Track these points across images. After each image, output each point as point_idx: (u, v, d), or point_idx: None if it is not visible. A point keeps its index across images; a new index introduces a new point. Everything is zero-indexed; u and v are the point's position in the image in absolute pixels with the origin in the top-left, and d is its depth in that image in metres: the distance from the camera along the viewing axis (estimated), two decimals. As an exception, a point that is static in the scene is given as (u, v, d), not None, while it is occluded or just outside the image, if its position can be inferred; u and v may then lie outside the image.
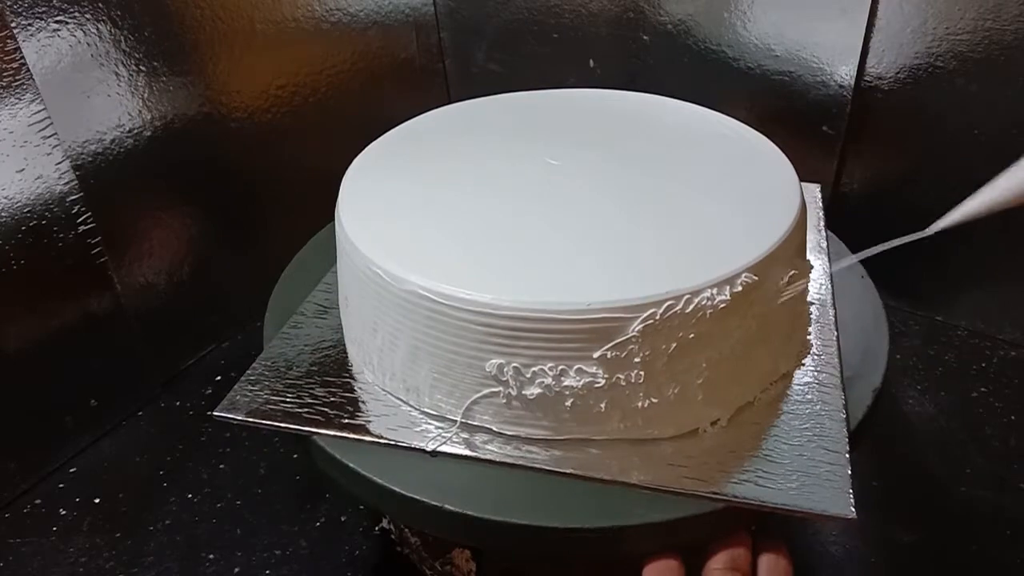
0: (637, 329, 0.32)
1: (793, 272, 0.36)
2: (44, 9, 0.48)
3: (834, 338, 0.41)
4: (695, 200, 0.39)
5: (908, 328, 0.65)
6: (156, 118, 0.56)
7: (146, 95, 0.55)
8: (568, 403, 0.34)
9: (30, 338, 0.51)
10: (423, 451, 0.35)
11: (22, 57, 0.47)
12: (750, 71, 0.64)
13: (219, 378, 0.63)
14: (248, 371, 0.40)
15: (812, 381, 0.39)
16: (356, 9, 0.68)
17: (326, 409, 0.38)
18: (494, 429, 0.36)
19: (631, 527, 0.33)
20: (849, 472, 0.33)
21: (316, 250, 0.51)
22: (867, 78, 0.60)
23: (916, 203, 0.63)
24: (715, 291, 0.33)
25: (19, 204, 0.48)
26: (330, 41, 0.67)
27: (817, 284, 0.45)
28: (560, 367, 0.33)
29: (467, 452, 0.35)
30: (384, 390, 0.39)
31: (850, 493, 0.32)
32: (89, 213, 0.52)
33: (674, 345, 0.33)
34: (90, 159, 0.53)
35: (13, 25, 0.46)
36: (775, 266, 0.35)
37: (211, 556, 0.49)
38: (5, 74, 0.46)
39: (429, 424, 0.37)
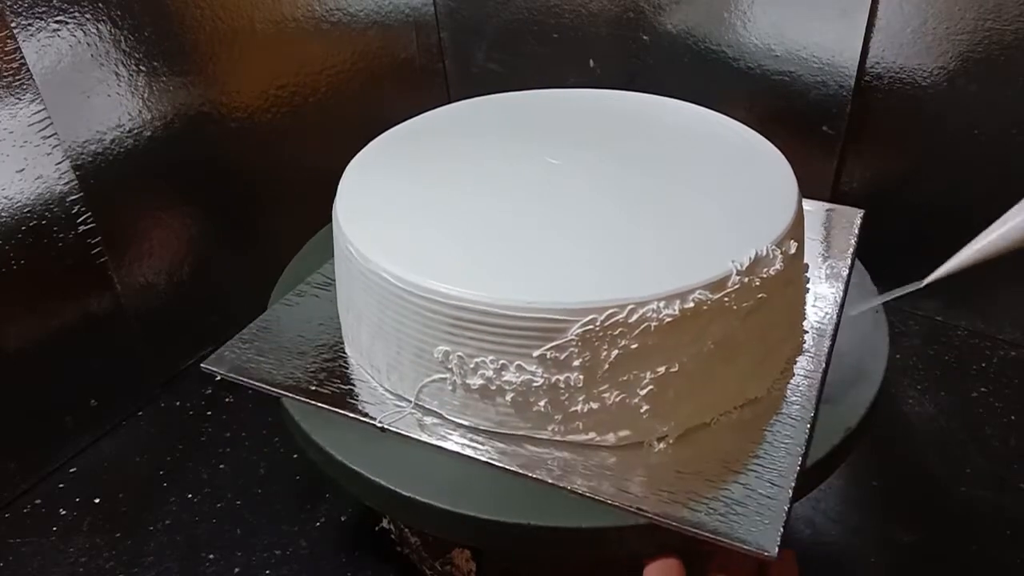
0: (576, 333, 0.32)
1: (762, 295, 0.34)
2: (44, 9, 0.48)
3: (820, 371, 0.39)
4: (687, 203, 0.39)
5: (908, 328, 0.65)
6: (156, 118, 0.56)
7: (146, 95, 0.55)
8: (508, 398, 0.34)
9: (30, 338, 0.51)
10: (373, 424, 0.36)
11: (22, 57, 0.47)
12: (750, 71, 0.64)
13: (219, 378, 0.63)
14: (243, 331, 0.42)
15: (782, 411, 0.37)
16: (356, 9, 0.68)
17: (300, 375, 0.39)
18: (444, 415, 0.37)
19: (632, 527, 0.33)
20: (785, 511, 0.31)
21: (316, 250, 0.51)
22: (867, 78, 0.60)
23: (916, 203, 0.63)
24: (662, 304, 0.32)
25: (19, 204, 0.49)
26: (330, 41, 0.67)
27: (822, 313, 0.43)
28: (501, 361, 0.33)
29: (415, 434, 0.36)
30: (359, 365, 0.40)
31: (779, 531, 0.31)
32: (89, 213, 0.52)
33: (616, 352, 0.32)
34: (90, 159, 0.53)
35: (13, 25, 0.46)
36: (738, 286, 0.33)
37: (211, 556, 0.49)
38: (5, 74, 0.46)
39: (389, 403, 0.38)
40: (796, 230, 0.37)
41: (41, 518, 0.51)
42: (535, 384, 0.33)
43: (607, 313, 0.31)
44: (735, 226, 0.37)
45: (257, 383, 0.39)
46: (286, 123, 0.65)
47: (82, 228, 0.52)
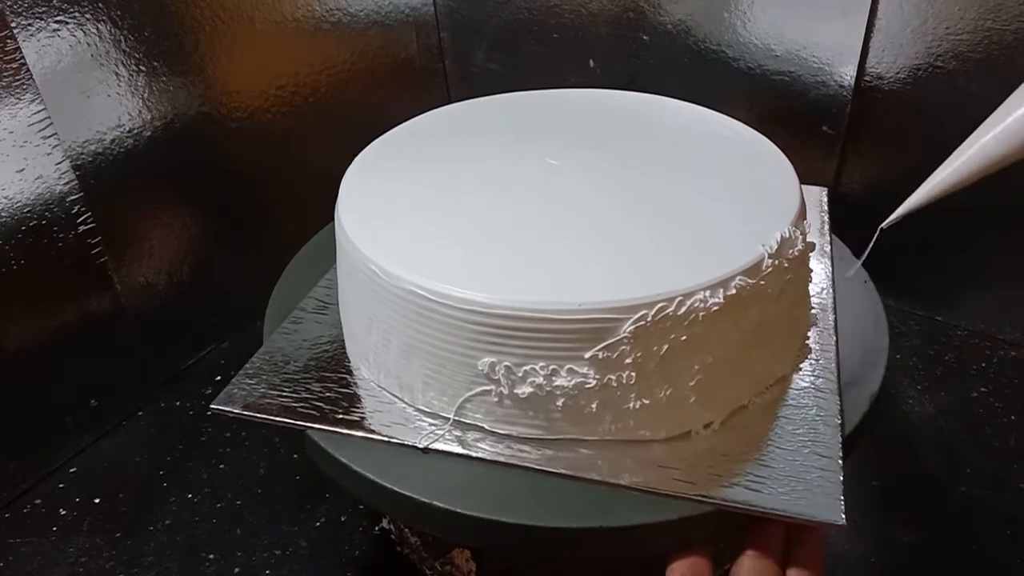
0: (628, 330, 0.32)
1: (790, 276, 0.36)
2: (44, 9, 0.48)
3: (833, 342, 0.41)
4: (694, 200, 0.39)
5: (908, 328, 0.65)
6: (156, 118, 0.56)
7: (146, 95, 0.55)
8: (559, 403, 0.34)
9: (30, 338, 0.51)
10: (415, 447, 0.35)
11: (22, 57, 0.47)
12: (750, 71, 0.64)
13: (219, 378, 0.63)
14: (247, 365, 0.41)
15: (809, 386, 0.38)
16: (356, 9, 0.68)
17: (321, 404, 0.38)
18: (486, 427, 0.36)
19: (631, 527, 0.33)
20: (841, 478, 0.33)
21: (316, 250, 0.51)
22: (867, 78, 0.60)
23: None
24: (708, 293, 0.32)
25: (19, 204, 0.49)
26: (330, 41, 0.67)
27: (818, 288, 0.44)
28: (551, 367, 0.33)
29: (459, 450, 0.35)
30: (380, 387, 0.39)
31: (841, 500, 0.32)
32: (89, 213, 0.52)
33: (666, 347, 0.33)
34: (90, 159, 0.53)
35: (13, 25, 0.46)
36: (771, 269, 0.35)
37: (211, 556, 0.49)
38: (5, 74, 0.46)
39: (423, 421, 0.37)
40: (801, 216, 0.38)
41: (41, 518, 0.51)
42: (587, 386, 0.33)
43: (657, 307, 0.32)
44: (749, 217, 0.37)
45: (277, 418, 0.37)
46: (286, 123, 0.65)
47: (82, 228, 0.52)
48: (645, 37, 0.68)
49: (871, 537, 0.49)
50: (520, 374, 0.33)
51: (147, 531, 0.50)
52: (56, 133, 0.49)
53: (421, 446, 0.35)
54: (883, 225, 0.39)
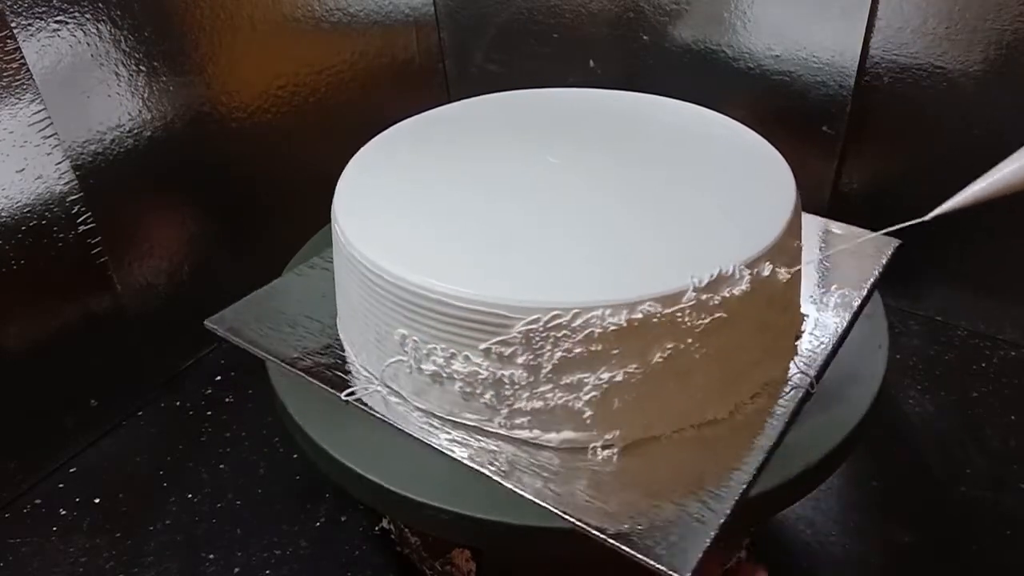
0: (520, 330, 0.32)
1: (722, 315, 0.33)
2: (44, 9, 0.48)
3: (794, 402, 0.37)
4: (679, 206, 0.39)
5: (908, 328, 0.65)
6: (156, 118, 0.56)
7: (146, 95, 0.55)
8: (456, 387, 0.35)
9: (30, 338, 0.51)
10: (339, 397, 0.38)
11: (22, 57, 0.47)
12: (750, 71, 0.64)
13: (219, 378, 0.63)
14: (251, 295, 0.46)
15: (740, 437, 0.36)
16: (356, 9, 0.68)
17: (289, 344, 0.42)
18: (406, 397, 0.38)
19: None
20: (711, 537, 0.30)
21: (316, 250, 0.51)
22: (867, 78, 0.60)
23: (916, 203, 0.63)
24: (608, 312, 0.32)
25: (19, 204, 0.49)
26: (330, 41, 0.67)
27: (816, 342, 0.40)
28: (451, 351, 0.34)
29: (376, 411, 0.37)
30: (344, 342, 0.42)
31: (697, 557, 0.30)
32: (89, 213, 0.52)
33: (559, 355, 0.32)
34: (90, 159, 0.53)
35: (13, 25, 0.46)
36: (693, 303, 0.33)
37: (211, 556, 0.49)
38: (5, 74, 0.46)
39: (361, 379, 0.39)
40: (780, 252, 0.36)
41: (41, 518, 0.51)
42: (480, 376, 0.34)
43: (551, 315, 0.32)
44: (716, 237, 0.36)
45: (247, 344, 0.42)
46: (286, 123, 0.65)
47: (82, 228, 0.52)
48: (645, 37, 0.68)
49: (871, 537, 0.49)
50: (425, 351, 0.35)
51: (147, 531, 0.50)
52: (56, 133, 0.49)
53: (343, 397, 0.38)
54: (927, 217, 0.39)
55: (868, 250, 0.47)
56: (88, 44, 0.51)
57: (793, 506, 0.48)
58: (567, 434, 0.35)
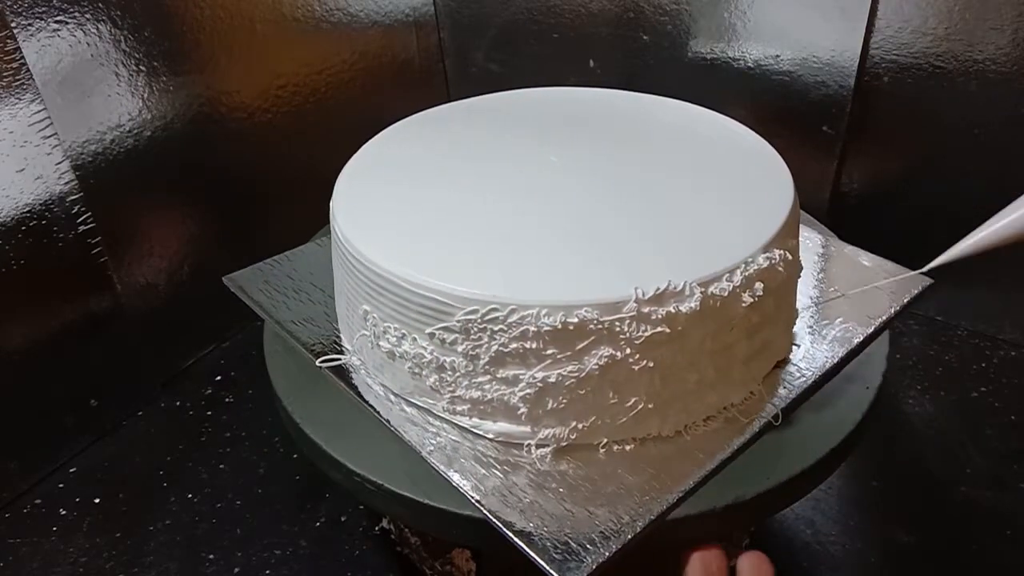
0: (459, 319, 0.33)
1: (663, 329, 0.32)
2: (44, 9, 0.48)
3: (747, 435, 0.35)
4: (668, 208, 0.38)
5: (908, 328, 0.65)
6: (156, 118, 0.56)
7: (146, 95, 0.55)
8: (407, 367, 0.36)
9: (30, 338, 0.51)
10: (314, 362, 0.40)
11: (22, 57, 0.47)
12: (750, 71, 0.64)
13: (219, 378, 0.63)
14: (273, 257, 0.48)
15: (679, 458, 0.35)
16: (356, 9, 0.68)
17: (286, 304, 0.44)
18: (369, 371, 0.39)
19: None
20: (606, 555, 0.30)
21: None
22: (867, 78, 0.60)
23: (916, 203, 0.63)
24: (544, 312, 0.32)
25: (19, 204, 0.49)
26: (330, 41, 0.67)
27: (798, 376, 0.38)
28: (402, 331, 0.36)
29: (340, 381, 0.39)
30: (338, 315, 0.43)
31: (589, 571, 0.29)
32: (89, 213, 0.52)
33: (496, 348, 0.33)
34: (90, 159, 0.53)
35: (13, 25, 0.46)
36: (633, 314, 0.32)
37: (211, 556, 0.49)
38: (5, 74, 0.46)
39: (340, 350, 0.41)
40: (743, 273, 0.34)
41: (41, 518, 0.51)
42: (426, 359, 0.35)
43: (489, 308, 0.32)
44: (684, 247, 0.35)
45: (251, 302, 0.45)
46: (286, 123, 0.65)
47: (82, 228, 0.52)
48: (645, 37, 0.68)
49: (871, 537, 0.49)
50: (382, 328, 0.36)
51: (147, 531, 0.50)
52: (56, 133, 0.49)
53: (318, 363, 0.40)
54: (924, 269, 0.39)
55: (891, 287, 0.44)
56: (88, 44, 0.51)
57: (793, 506, 0.48)
58: (503, 426, 0.35)
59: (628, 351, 0.33)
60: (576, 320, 0.32)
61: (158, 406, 0.60)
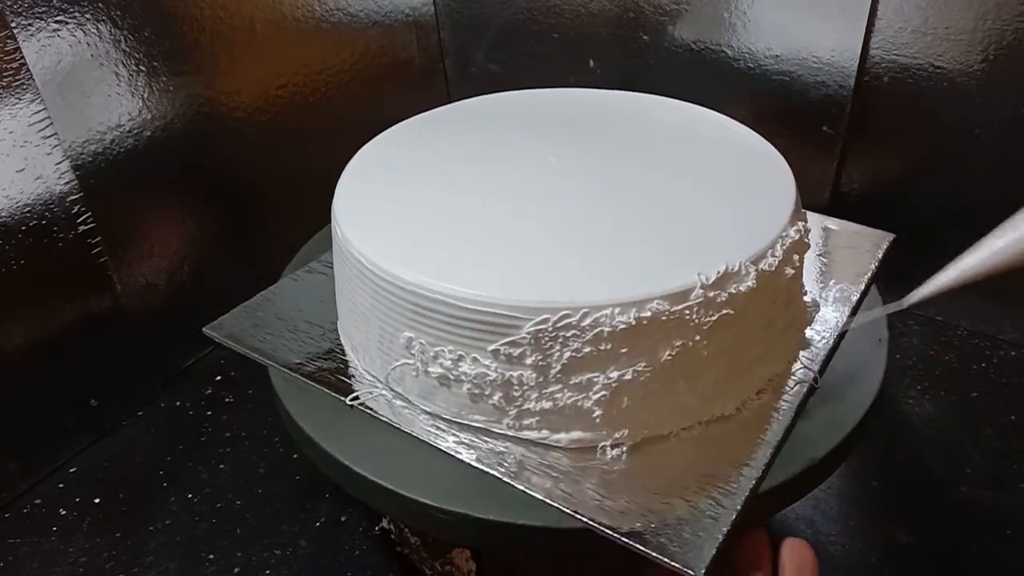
0: (529, 331, 0.32)
1: (728, 311, 0.33)
2: (44, 9, 0.48)
3: (800, 396, 0.37)
4: (680, 207, 0.39)
5: (908, 328, 0.65)
6: (156, 118, 0.56)
7: (146, 95, 0.55)
8: (464, 388, 0.35)
9: (30, 338, 0.51)
10: (344, 401, 0.38)
11: (22, 57, 0.47)
12: (750, 71, 0.64)
13: (219, 378, 0.63)
14: (248, 301, 0.46)
15: (748, 433, 0.36)
16: (356, 9, 0.68)
17: (290, 349, 0.42)
18: (412, 400, 0.38)
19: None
20: (723, 533, 0.31)
21: (313, 254, 0.50)
22: (867, 78, 0.60)
23: (916, 203, 0.63)
24: (617, 311, 0.32)
25: (19, 204, 0.49)
26: (330, 41, 0.67)
27: (819, 337, 0.41)
28: (458, 352, 0.34)
29: (382, 414, 0.37)
30: (345, 346, 0.42)
31: (711, 553, 0.30)
32: (89, 213, 0.52)
33: (568, 355, 0.32)
34: (90, 159, 0.53)
35: (13, 25, 0.46)
36: (701, 300, 0.33)
37: (211, 556, 0.49)
38: (5, 74, 0.46)
39: (364, 383, 0.39)
40: (783, 247, 0.36)
41: (41, 518, 0.51)
42: (489, 378, 0.34)
43: (560, 315, 0.32)
44: (719, 235, 0.36)
45: (248, 351, 0.42)
46: (286, 123, 0.65)
47: (82, 228, 0.52)
48: (645, 37, 0.68)
49: (871, 537, 0.49)
50: (432, 354, 0.35)
51: (147, 531, 0.50)
52: (56, 133, 0.49)
53: (348, 401, 0.38)
54: (905, 303, 0.39)
55: (865, 245, 0.47)
56: (88, 44, 0.51)
57: (793, 506, 0.48)
58: (576, 434, 0.35)
59: (697, 338, 0.33)
60: (648, 314, 0.32)
61: (158, 406, 0.60)
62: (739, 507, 0.32)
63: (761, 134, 0.45)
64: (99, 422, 0.57)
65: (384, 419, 0.37)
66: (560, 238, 0.36)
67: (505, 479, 0.34)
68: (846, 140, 0.62)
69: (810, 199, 0.60)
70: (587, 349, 0.32)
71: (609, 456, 0.35)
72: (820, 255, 0.47)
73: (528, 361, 0.33)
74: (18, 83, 0.47)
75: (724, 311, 0.33)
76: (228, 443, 0.57)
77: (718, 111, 0.48)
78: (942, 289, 0.36)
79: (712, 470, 0.33)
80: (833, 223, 0.50)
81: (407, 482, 0.35)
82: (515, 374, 0.33)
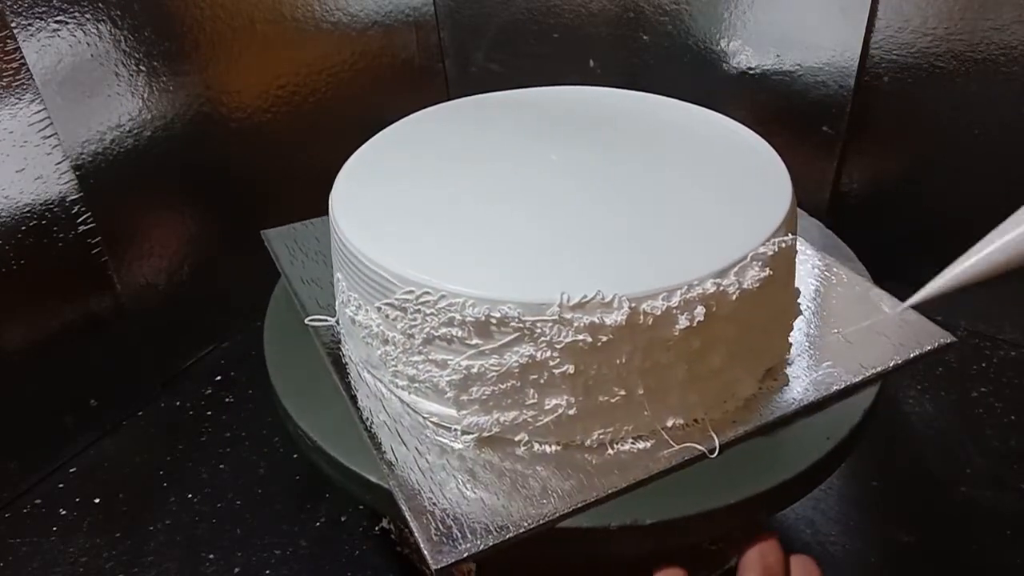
0: (398, 298, 0.35)
1: (584, 338, 0.32)
2: (44, 9, 0.48)
3: (680, 455, 0.35)
4: (663, 204, 0.38)
5: (908, 328, 0.65)
6: (156, 118, 0.56)
7: (146, 95, 0.55)
8: (361, 335, 0.38)
9: (30, 338, 0.51)
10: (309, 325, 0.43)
11: (22, 57, 0.47)
12: (750, 71, 0.64)
13: (219, 378, 0.63)
14: (310, 220, 0.51)
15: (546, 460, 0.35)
16: (356, 9, 0.68)
17: (303, 266, 0.48)
18: (342, 336, 0.42)
19: (628, 528, 0.33)
20: (472, 550, 0.31)
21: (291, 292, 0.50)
22: (867, 78, 0.60)
23: (916, 203, 0.63)
24: (469, 303, 0.32)
25: (19, 204, 0.48)
26: (330, 41, 0.67)
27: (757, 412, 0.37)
28: (359, 301, 0.38)
29: (320, 344, 0.42)
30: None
31: (448, 560, 0.30)
32: (89, 213, 0.52)
33: (427, 330, 0.34)
34: (90, 159, 0.53)
35: (13, 25, 0.46)
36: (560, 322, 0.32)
37: (211, 556, 0.49)
38: (5, 74, 0.46)
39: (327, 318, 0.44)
40: (707, 294, 0.33)
41: (41, 518, 0.51)
42: (374, 331, 0.37)
43: (422, 291, 0.34)
44: (674, 249, 0.35)
45: (274, 257, 0.49)
46: (286, 123, 0.65)
47: (82, 228, 0.52)
48: (645, 37, 0.68)
49: (871, 537, 0.49)
50: (347, 297, 0.39)
51: (147, 531, 0.50)
52: (56, 133, 0.49)
53: (306, 321, 0.43)
54: (906, 305, 0.39)
55: (903, 335, 0.41)
56: (88, 44, 0.51)
57: (793, 506, 0.48)
58: (434, 407, 0.36)
59: (549, 353, 0.33)
60: (498, 315, 0.32)
61: (158, 406, 0.60)
62: (520, 531, 0.32)
63: (761, 134, 0.45)
64: (99, 422, 0.57)
65: (323, 345, 0.42)
66: (506, 231, 0.37)
67: (374, 429, 0.36)
68: (846, 140, 0.62)
69: (810, 199, 0.60)
70: (443, 330, 0.34)
71: (459, 442, 0.36)
72: (838, 332, 0.41)
73: (399, 325, 0.35)
74: (18, 83, 0.47)
75: (581, 336, 0.32)
76: (228, 443, 0.57)
77: (718, 111, 0.48)
78: (940, 292, 0.36)
79: (540, 491, 0.33)
80: (889, 302, 0.43)
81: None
82: (390, 334, 0.36)
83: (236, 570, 0.48)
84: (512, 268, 0.34)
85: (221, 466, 0.55)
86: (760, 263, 0.35)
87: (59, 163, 0.50)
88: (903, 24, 0.57)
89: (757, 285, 0.34)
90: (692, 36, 0.65)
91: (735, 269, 0.34)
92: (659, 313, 0.32)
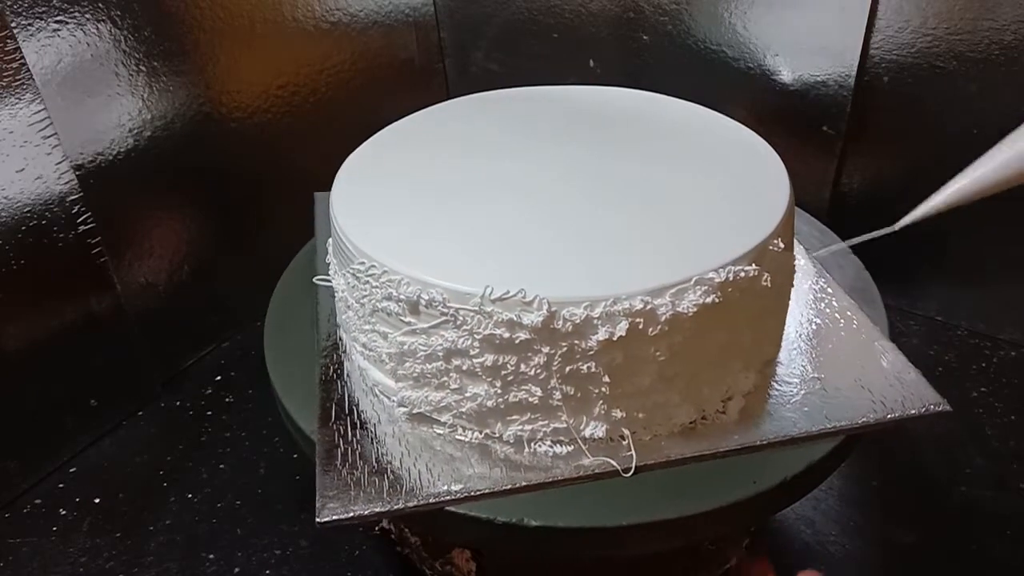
0: (354, 267, 0.37)
1: (501, 331, 0.33)
2: (44, 9, 0.48)
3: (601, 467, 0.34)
4: (658, 204, 0.38)
5: (908, 328, 0.65)
6: (156, 118, 0.56)
7: (146, 95, 0.55)
8: (337, 296, 0.41)
9: (30, 338, 0.51)
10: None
11: (22, 57, 0.47)
12: (750, 71, 0.64)
13: (219, 378, 0.63)
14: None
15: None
16: (356, 9, 0.68)
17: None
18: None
19: (629, 527, 0.33)
20: (351, 515, 0.33)
21: (315, 250, 0.50)
22: (867, 78, 0.60)
23: (916, 203, 0.63)
24: (404, 281, 0.34)
25: (19, 204, 0.49)
26: (330, 41, 0.67)
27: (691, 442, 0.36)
28: (336, 267, 0.40)
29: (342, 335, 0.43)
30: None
31: (330, 517, 0.32)
32: (89, 213, 0.52)
33: (373, 303, 0.36)
34: (90, 159, 0.53)
35: (13, 25, 0.46)
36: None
37: (211, 556, 0.49)
38: (5, 74, 0.46)
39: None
40: (635, 310, 0.32)
41: (41, 518, 0.51)
42: (342, 293, 0.39)
43: (370, 265, 0.36)
44: (652, 250, 0.35)
45: (316, 226, 0.51)
46: (286, 123, 0.65)
47: (82, 228, 0.52)
48: (645, 37, 0.68)
49: (871, 537, 0.49)
50: (331, 263, 0.41)
51: (147, 531, 0.50)
52: (56, 133, 0.49)
53: (316, 280, 0.45)
54: (897, 226, 0.39)
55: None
56: (88, 44, 0.51)
57: (793, 506, 0.48)
58: (378, 376, 0.38)
59: (470, 342, 0.34)
60: (427, 297, 0.33)
61: (158, 406, 0.60)
62: (395, 508, 0.33)
63: (761, 134, 0.45)
64: (99, 422, 0.57)
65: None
66: (485, 221, 0.37)
67: (318, 374, 0.39)
68: (846, 140, 0.62)
69: (810, 199, 0.60)
70: (383, 303, 0.35)
71: (395, 412, 0.38)
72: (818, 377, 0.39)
73: (355, 295, 0.37)
74: (18, 83, 0.47)
75: (499, 330, 0.32)
76: (228, 443, 0.57)
77: (718, 111, 0.48)
78: (937, 209, 0.36)
79: (445, 472, 0.34)
80: (891, 357, 0.40)
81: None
82: (351, 300, 0.38)
83: (236, 570, 0.48)
84: (461, 257, 0.35)
85: (221, 466, 0.55)
86: (706, 288, 0.33)
87: (59, 163, 0.50)
88: (903, 24, 0.57)
89: (693, 310, 0.33)
90: (692, 36, 0.65)
91: (672, 291, 0.32)
92: (578, 321, 0.32)
